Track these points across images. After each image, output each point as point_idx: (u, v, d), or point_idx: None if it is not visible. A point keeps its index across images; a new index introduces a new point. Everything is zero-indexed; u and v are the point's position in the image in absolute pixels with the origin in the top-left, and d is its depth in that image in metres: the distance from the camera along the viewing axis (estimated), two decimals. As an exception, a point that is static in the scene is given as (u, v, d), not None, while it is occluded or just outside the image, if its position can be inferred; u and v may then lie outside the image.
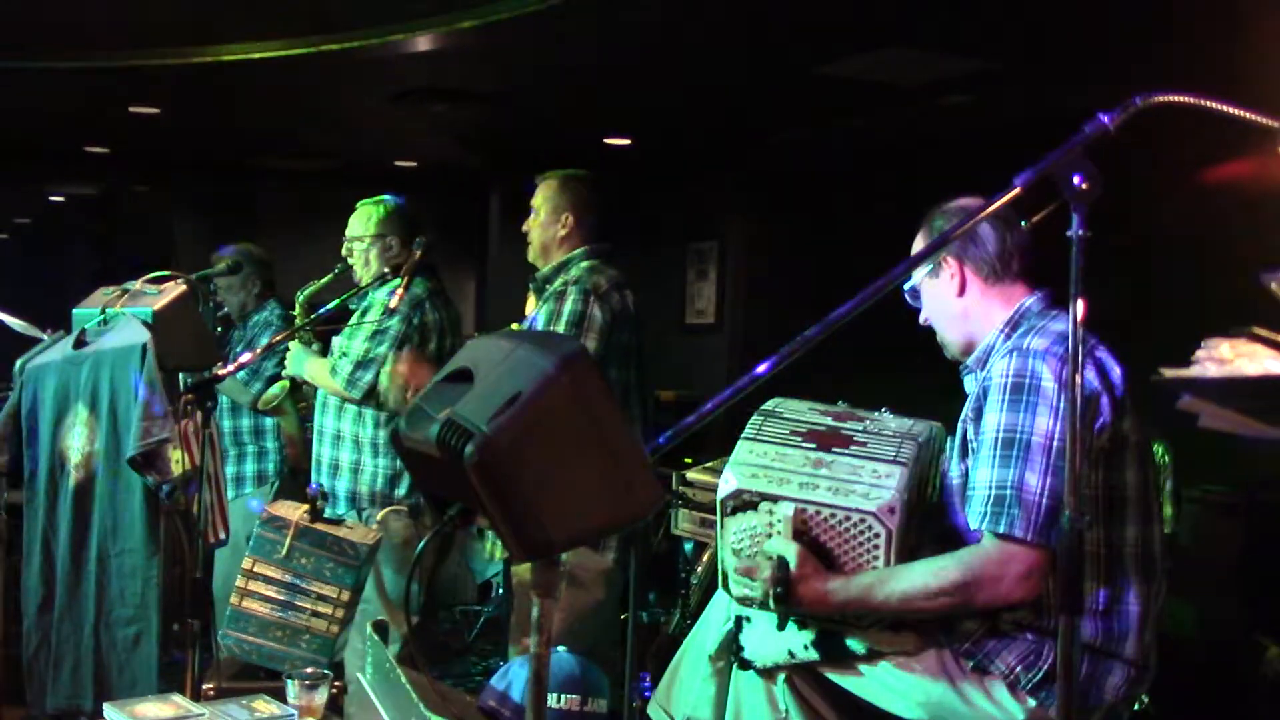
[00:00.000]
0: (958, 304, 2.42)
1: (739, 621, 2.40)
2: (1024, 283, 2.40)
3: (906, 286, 2.48)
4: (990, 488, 2.14)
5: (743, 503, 2.27)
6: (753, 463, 2.28)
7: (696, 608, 4.55)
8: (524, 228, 3.80)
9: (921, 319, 2.51)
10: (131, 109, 6.80)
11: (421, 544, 3.73)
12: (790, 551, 2.19)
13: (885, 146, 6.68)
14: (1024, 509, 2.10)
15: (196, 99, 6.67)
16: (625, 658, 3.02)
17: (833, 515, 2.21)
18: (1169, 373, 1.55)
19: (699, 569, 4.84)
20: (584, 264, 3.62)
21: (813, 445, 2.30)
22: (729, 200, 7.79)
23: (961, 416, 2.34)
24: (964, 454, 2.29)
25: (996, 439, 2.16)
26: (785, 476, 2.25)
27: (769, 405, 2.47)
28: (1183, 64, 4.70)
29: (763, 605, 2.24)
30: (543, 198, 3.72)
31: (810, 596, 2.18)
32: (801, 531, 2.22)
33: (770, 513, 2.25)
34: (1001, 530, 2.11)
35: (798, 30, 4.92)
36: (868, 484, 2.21)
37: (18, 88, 6.35)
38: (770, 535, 2.24)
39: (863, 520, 2.19)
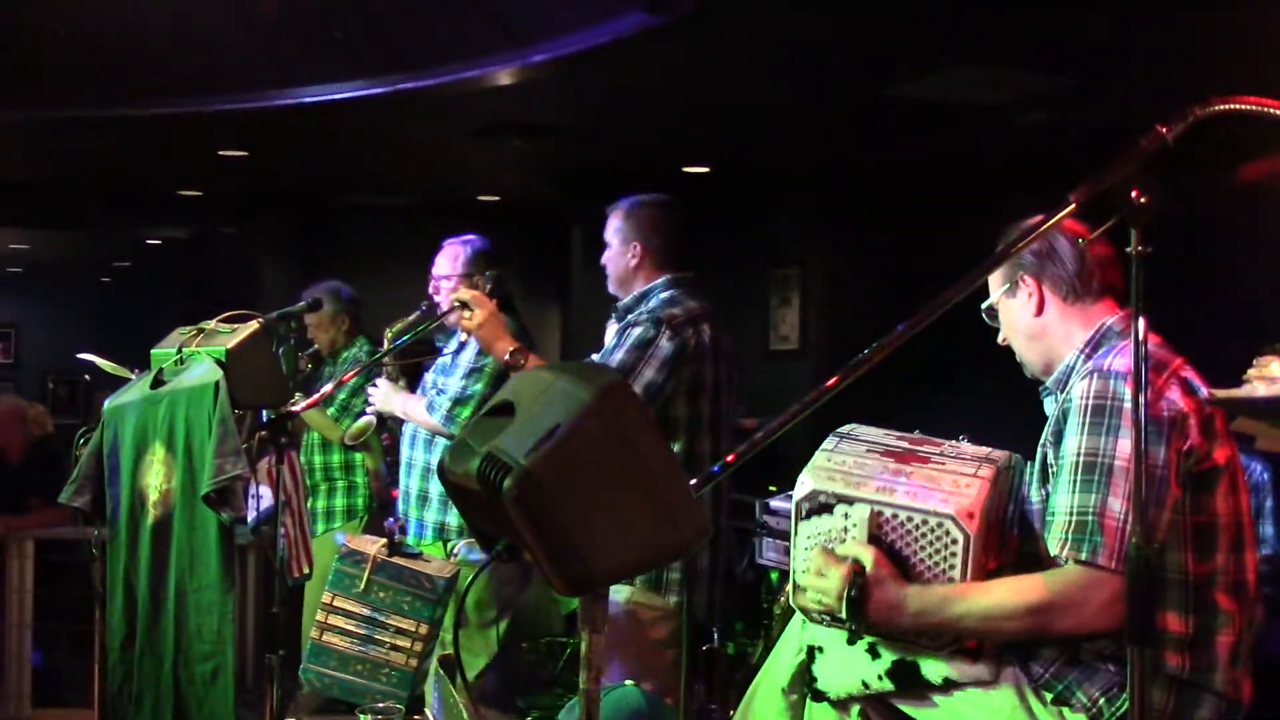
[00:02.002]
0: (1036, 324, 2.35)
1: (811, 652, 2.35)
2: (1108, 300, 2.33)
3: (984, 305, 2.43)
4: (1071, 513, 2.07)
5: (818, 505, 2.23)
6: (829, 468, 2.25)
7: (779, 639, 4.49)
8: (602, 261, 3.73)
9: (1000, 339, 2.45)
10: (220, 152, 6.97)
11: (470, 580, 3.71)
12: (866, 555, 2.14)
13: (966, 166, 6.58)
14: (1106, 535, 2.02)
15: (281, 141, 6.81)
16: (681, 687, 3.00)
17: (910, 519, 2.15)
18: (1220, 394, 1.49)
19: (782, 598, 4.78)
20: (664, 294, 3.52)
21: (890, 460, 2.27)
22: (810, 225, 7.73)
23: (1041, 440, 2.27)
24: (1044, 479, 2.22)
25: (1077, 463, 2.09)
26: (862, 480, 2.21)
27: (845, 428, 2.43)
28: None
29: (833, 615, 2.18)
30: (612, 229, 3.65)
31: (885, 602, 2.11)
32: (877, 536, 2.17)
33: (846, 516, 2.20)
34: (1084, 557, 2.04)
35: (871, 51, 4.89)
36: (946, 491, 2.15)
37: (112, 134, 6.55)
38: (845, 539, 2.19)
39: (940, 525, 2.13)
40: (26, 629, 5.58)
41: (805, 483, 2.24)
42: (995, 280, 2.40)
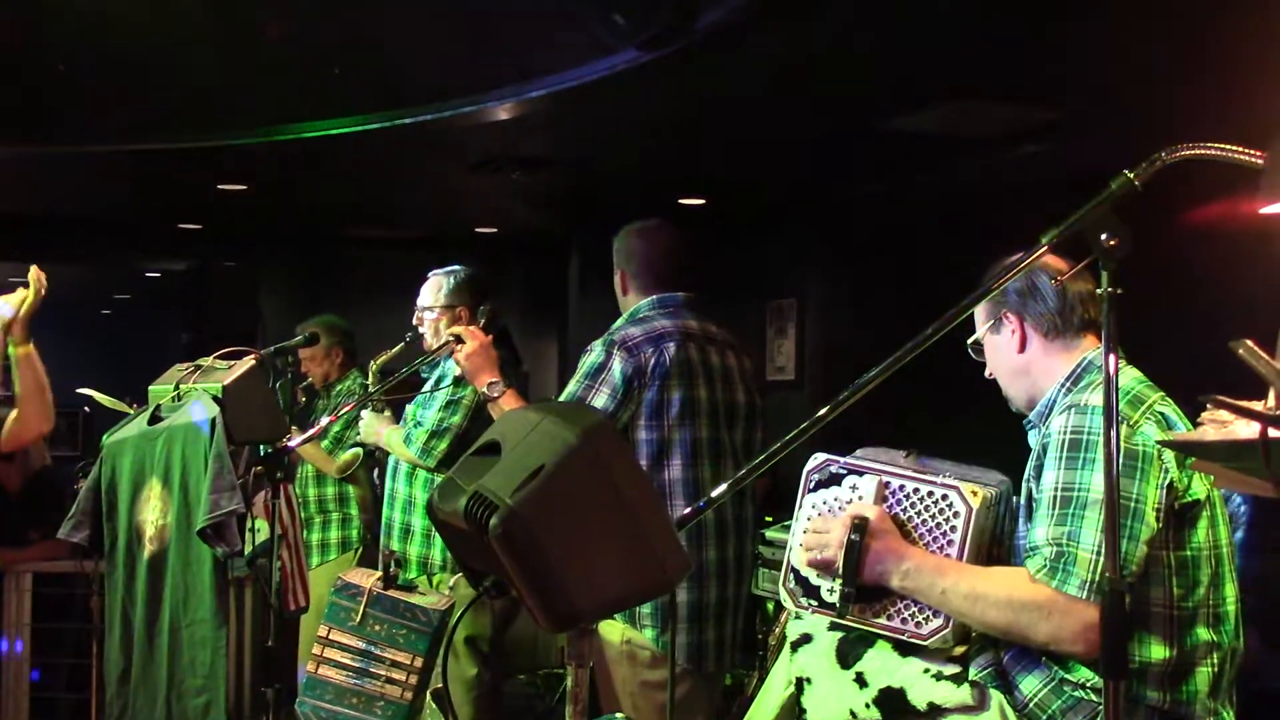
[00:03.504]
0: (1019, 360, 2.40)
1: (800, 684, 2.38)
2: (1091, 335, 2.37)
3: (970, 341, 2.47)
4: (1048, 545, 2.11)
5: (828, 475, 2.33)
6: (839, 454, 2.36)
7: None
8: None
9: (986, 373, 2.50)
10: (220, 186, 7.02)
11: (457, 617, 3.71)
12: (870, 511, 2.23)
13: (961, 199, 6.63)
14: (1079, 566, 2.06)
15: (281, 175, 6.86)
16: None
17: (916, 490, 2.25)
18: (1170, 436, 1.53)
19: (778, 629, 4.78)
20: (641, 315, 3.42)
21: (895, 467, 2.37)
22: (806, 257, 7.78)
23: (1025, 475, 2.31)
24: (1028, 513, 2.26)
25: (1055, 497, 2.13)
26: (872, 460, 2.34)
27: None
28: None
29: (833, 576, 2.22)
30: (612, 256, 3.61)
31: (881, 552, 2.19)
32: (882, 501, 2.27)
33: (854, 488, 2.30)
34: (1055, 585, 2.07)
35: (866, 85, 4.93)
36: (954, 475, 2.28)
37: (112, 168, 6.59)
38: (851, 503, 2.28)
39: (945, 496, 2.22)
40: (24, 662, 5.57)
41: (818, 457, 2.34)
42: (980, 316, 2.45)
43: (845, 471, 2.32)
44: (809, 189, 6.94)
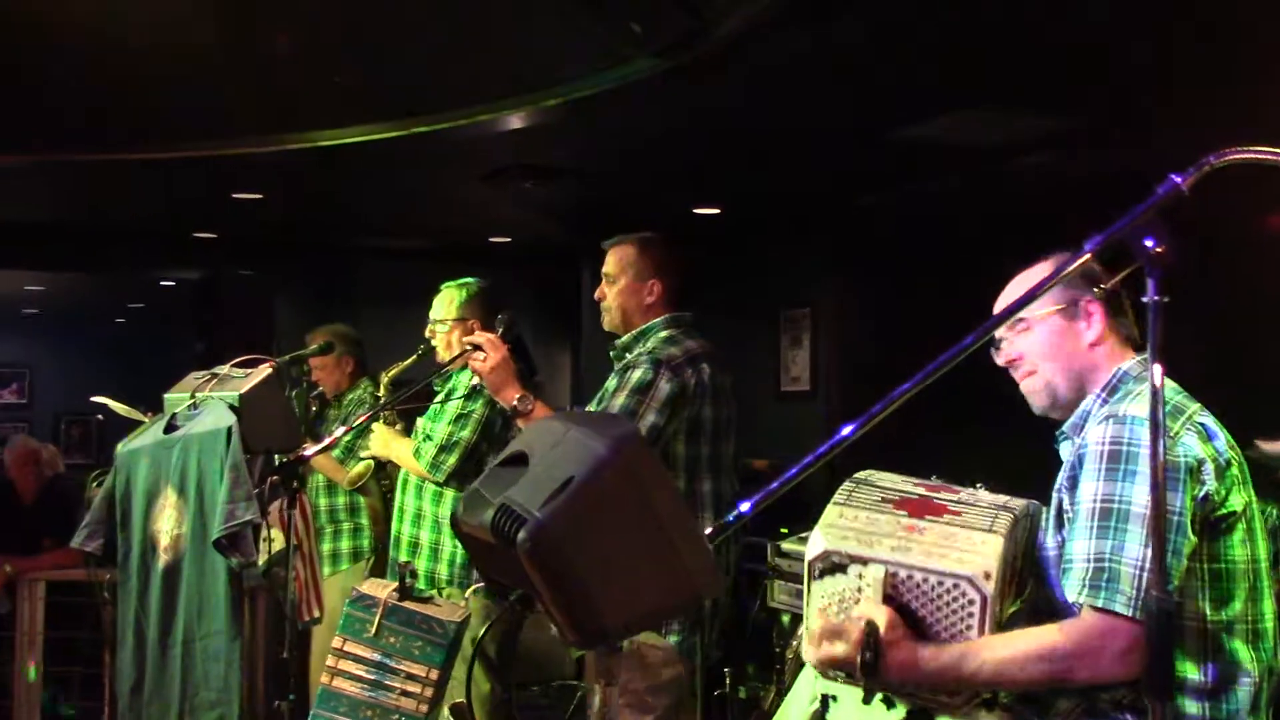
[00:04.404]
0: (1084, 355, 2.29)
1: (825, 701, 2.32)
2: (1131, 346, 2.31)
3: (1014, 315, 2.30)
4: (1089, 560, 2.04)
5: (831, 565, 2.19)
6: (842, 525, 2.21)
7: (793, 683, 4.45)
8: (597, 295, 3.64)
9: (1009, 357, 2.35)
10: (234, 195, 7.01)
11: (483, 631, 3.68)
12: (880, 615, 2.09)
13: (976, 207, 6.59)
14: (1123, 582, 2.00)
15: (295, 184, 6.84)
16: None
17: (925, 580, 2.11)
18: (1265, 445, 1.48)
19: (794, 643, 4.74)
20: (662, 334, 3.46)
21: (904, 513, 2.22)
22: (820, 266, 7.74)
23: (1056, 485, 2.25)
24: (1059, 525, 2.20)
25: (1094, 509, 2.07)
26: (876, 539, 2.17)
27: (860, 474, 2.40)
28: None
29: (848, 674, 2.15)
30: (622, 263, 3.56)
31: (900, 663, 2.07)
32: (892, 596, 2.14)
33: (860, 576, 2.16)
34: (1100, 604, 2.01)
35: (881, 94, 4.90)
36: (962, 549, 2.12)
37: (127, 177, 6.59)
38: (859, 600, 2.15)
39: (956, 585, 2.09)
40: (37, 680, 5.56)
41: (818, 542, 2.19)
42: (1047, 297, 2.27)
43: (848, 562, 2.17)
44: (824, 198, 6.91)
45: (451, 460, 3.88)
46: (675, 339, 3.43)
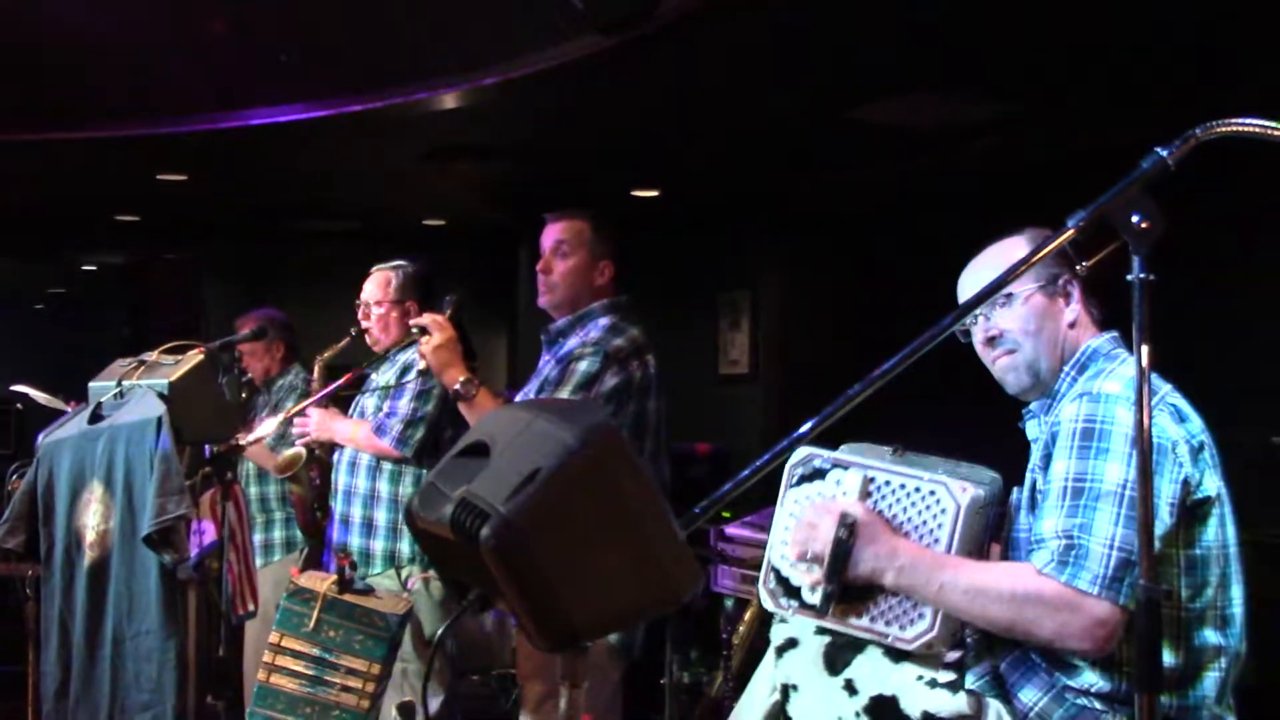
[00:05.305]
0: (1063, 333, 2.26)
1: (786, 691, 2.27)
2: (1098, 327, 2.28)
3: (993, 286, 2.27)
4: (1058, 537, 2.00)
5: (812, 470, 2.22)
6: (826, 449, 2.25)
7: (739, 668, 4.41)
8: (541, 267, 3.45)
9: (987, 332, 2.29)
10: (159, 176, 6.80)
11: (439, 632, 3.58)
12: (856, 508, 2.10)
13: (919, 191, 6.58)
14: (1091, 560, 1.96)
15: (223, 164, 6.66)
16: None
17: (903, 485, 2.14)
18: None
19: (741, 628, 4.69)
20: (603, 320, 3.35)
21: (888, 450, 2.27)
22: (760, 249, 7.70)
23: (1029, 465, 2.21)
24: (1033, 505, 2.16)
25: (1065, 487, 2.03)
26: (859, 456, 2.23)
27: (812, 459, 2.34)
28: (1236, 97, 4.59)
29: (819, 565, 2.10)
30: (578, 238, 3.40)
31: (874, 549, 2.07)
32: (867, 497, 2.16)
33: (838, 483, 2.19)
34: (1064, 580, 1.97)
35: (825, 75, 4.85)
36: (944, 472, 2.16)
37: (45, 158, 6.36)
38: (835, 498, 2.16)
39: (933, 492, 2.11)
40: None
41: (801, 450, 2.22)
42: (1029, 274, 2.19)
43: (830, 466, 2.21)
44: (764, 179, 6.85)
45: (419, 434, 3.84)
46: (619, 327, 3.31)
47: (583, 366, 3.17)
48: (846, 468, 2.19)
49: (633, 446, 3.04)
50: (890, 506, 2.15)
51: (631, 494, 1.27)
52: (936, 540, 2.11)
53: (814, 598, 2.16)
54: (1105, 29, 4.15)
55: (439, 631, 3.66)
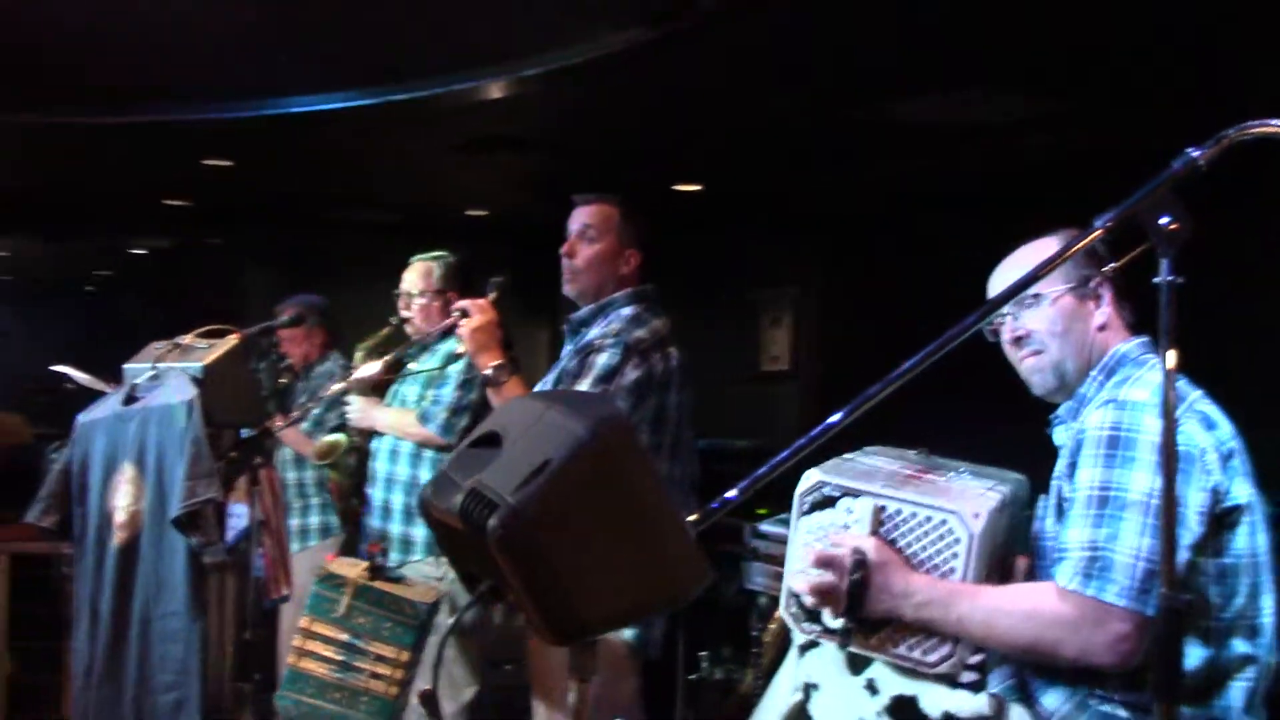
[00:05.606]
0: (1092, 336, 2.22)
1: (807, 690, 2.26)
2: (1129, 330, 2.24)
3: (1019, 286, 2.24)
4: (1083, 548, 1.98)
5: (822, 499, 2.19)
6: (837, 466, 2.22)
7: (770, 666, 4.40)
8: (565, 250, 3.36)
9: (1015, 333, 2.26)
10: (204, 162, 6.86)
11: (451, 623, 3.57)
12: (867, 544, 2.08)
13: (960, 187, 6.52)
14: (1117, 571, 1.93)
15: (267, 151, 6.70)
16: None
17: (914, 515, 2.10)
18: None
19: (772, 625, 4.68)
20: (626, 311, 3.25)
21: (900, 463, 2.25)
22: (802, 245, 7.67)
23: (1055, 473, 2.17)
24: (1059, 513, 2.13)
25: (1090, 497, 2.00)
26: (870, 477, 2.19)
27: (848, 455, 2.34)
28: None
29: (825, 617, 2.10)
30: (606, 224, 3.31)
31: (888, 588, 2.05)
32: (878, 532, 2.13)
33: (849, 511, 2.15)
34: (1090, 593, 1.94)
35: (869, 71, 4.82)
36: (957, 494, 2.12)
37: (96, 142, 6.43)
38: (847, 528, 2.13)
39: (944, 522, 2.08)
40: (2, 644, 5.47)
41: (810, 476, 2.19)
42: (1057, 274, 2.18)
43: (839, 494, 2.17)
44: (807, 176, 6.81)
45: (464, 422, 3.84)
46: (641, 318, 3.21)
47: (602, 359, 3.08)
48: (857, 495, 2.15)
49: (644, 440, 3.06)
50: (903, 536, 2.11)
51: (641, 488, 1.26)
52: (952, 570, 2.08)
53: (836, 624, 2.14)
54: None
55: (450, 623, 3.65)
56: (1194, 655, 2.00)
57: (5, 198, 8.27)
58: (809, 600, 2.15)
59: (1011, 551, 2.24)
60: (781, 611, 2.25)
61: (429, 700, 2.62)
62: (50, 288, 13.08)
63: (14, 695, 5.52)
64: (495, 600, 1.36)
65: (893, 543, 2.10)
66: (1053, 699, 2.08)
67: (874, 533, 2.11)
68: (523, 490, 1.22)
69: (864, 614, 2.08)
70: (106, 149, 6.71)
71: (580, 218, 3.35)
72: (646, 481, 1.27)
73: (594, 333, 3.22)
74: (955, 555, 2.07)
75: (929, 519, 2.08)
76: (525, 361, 4.06)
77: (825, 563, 2.08)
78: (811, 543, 2.16)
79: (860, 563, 2.05)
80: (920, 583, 2.05)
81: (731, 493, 1.50)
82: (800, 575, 2.14)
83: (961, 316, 1.63)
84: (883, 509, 2.12)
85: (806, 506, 2.19)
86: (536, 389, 3.34)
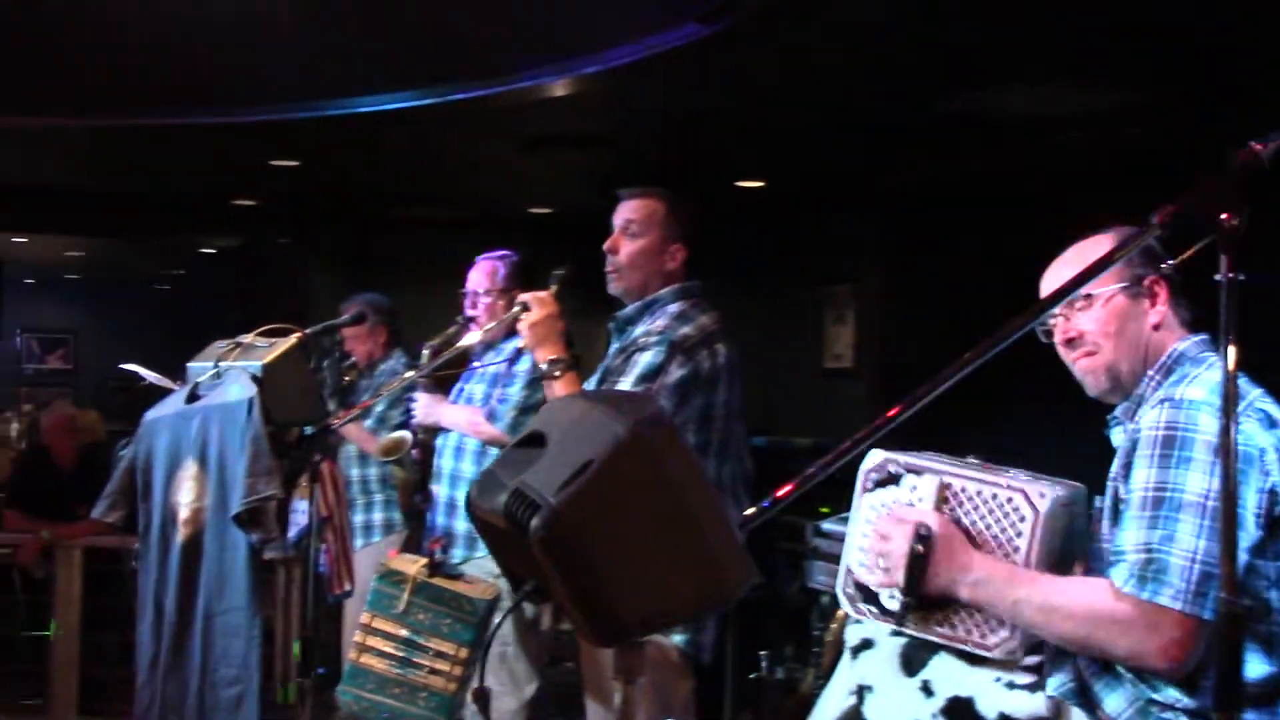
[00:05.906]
0: (1146, 336, 2.17)
1: (861, 692, 2.24)
2: (1187, 329, 2.19)
3: (1064, 303, 2.19)
4: (1137, 551, 1.94)
5: (886, 475, 2.19)
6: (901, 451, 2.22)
7: (829, 666, 4.37)
8: (608, 246, 3.24)
9: (1067, 333, 2.21)
10: (272, 162, 6.95)
11: (498, 621, 3.56)
12: (932, 518, 2.08)
13: (1023, 183, 6.42)
14: (1172, 574, 1.89)
15: (333, 151, 6.78)
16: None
17: (979, 491, 2.10)
18: None
19: (833, 624, 4.64)
20: (672, 308, 3.14)
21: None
22: (866, 242, 7.59)
23: (1110, 474, 2.13)
24: (1115, 515, 2.09)
25: (1146, 498, 1.96)
26: (934, 460, 2.19)
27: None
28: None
29: (894, 581, 2.09)
30: (651, 219, 3.19)
31: (949, 563, 2.05)
32: (942, 507, 2.13)
33: (914, 489, 2.15)
34: (1145, 597, 1.91)
35: (930, 64, 4.76)
36: (1024, 479, 2.12)
37: (167, 143, 6.55)
38: (911, 505, 2.13)
39: (1010, 500, 2.07)
40: (74, 637, 5.59)
41: (875, 455, 2.20)
42: (1110, 274, 2.13)
43: (904, 471, 2.17)
44: (870, 171, 6.76)
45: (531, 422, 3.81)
46: (687, 315, 3.11)
47: (647, 358, 2.99)
48: (921, 473, 2.15)
49: (690, 439, 3.00)
50: (967, 514, 2.11)
51: (684, 487, 1.25)
52: (1016, 549, 2.07)
53: (892, 604, 2.13)
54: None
55: (495, 621, 3.64)
56: (1256, 662, 1.96)
57: (79, 198, 8.44)
58: (867, 579, 2.14)
59: (1070, 555, 2.21)
60: (837, 590, 2.23)
61: (481, 698, 2.64)
62: (124, 286, 13.36)
63: (86, 687, 5.63)
64: (541, 600, 1.36)
65: (957, 521, 2.10)
66: (1114, 702, 2.03)
67: (938, 509, 2.11)
68: (564, 491, 1.22)
69: (922, 590, 2.07)
70: (177, 150, 6.83)
71: (623, 212, 3.24)
72: (690, 481, 1.26)
73: (639, 330, 3.13)
74: (1020, 534, 2.06)
75: (994, 495, 2.09)
76: (587, 357, 4.04)
77: (886, 534, 2.10)
78: (874, 519, 2.16)
79: (923, 536, 2.05)
80: (981, 561, 2.05)
81: (782, 491, 1.49)
82: (862, 549, 2.14)
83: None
84: (948, 486, 2.12)
85: (871, 484, 2.20)
86: (584, 387, 3.29)
